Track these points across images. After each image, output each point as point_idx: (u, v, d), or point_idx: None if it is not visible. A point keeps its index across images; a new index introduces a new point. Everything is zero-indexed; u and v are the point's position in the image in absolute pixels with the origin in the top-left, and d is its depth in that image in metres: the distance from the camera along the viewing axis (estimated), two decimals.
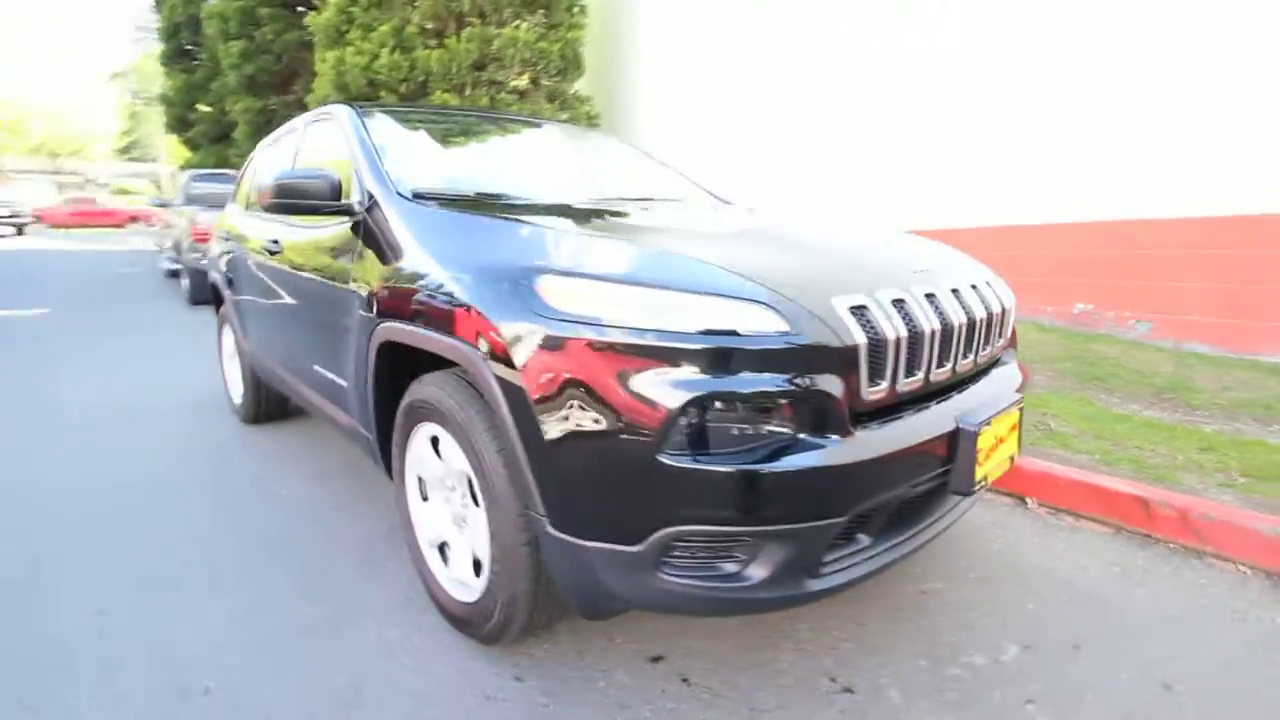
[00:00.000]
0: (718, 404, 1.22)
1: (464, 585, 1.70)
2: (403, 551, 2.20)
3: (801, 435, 1.25)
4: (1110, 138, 4.26)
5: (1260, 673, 1.60)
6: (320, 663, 1.66)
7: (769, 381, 1.23)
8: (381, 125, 2.43)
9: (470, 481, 1.61)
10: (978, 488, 1.48)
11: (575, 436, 1.29)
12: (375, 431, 1.97)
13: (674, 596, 1.30)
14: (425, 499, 1.86)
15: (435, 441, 1.74)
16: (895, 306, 1.41)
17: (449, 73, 8.30)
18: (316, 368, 2.35)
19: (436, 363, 1.74)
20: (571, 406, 1.28)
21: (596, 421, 1.26)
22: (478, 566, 1.66)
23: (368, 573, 2.09)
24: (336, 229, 2.19)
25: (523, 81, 9.04)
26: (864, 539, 1.40)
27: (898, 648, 1.67)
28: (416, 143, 2.52)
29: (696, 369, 1.22)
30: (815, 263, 1.55)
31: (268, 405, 3.58)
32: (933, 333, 1.46)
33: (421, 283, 1.64)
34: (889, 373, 1.36)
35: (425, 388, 1.67)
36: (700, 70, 8.42)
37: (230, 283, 3.39)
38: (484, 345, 1.41)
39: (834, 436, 1.26)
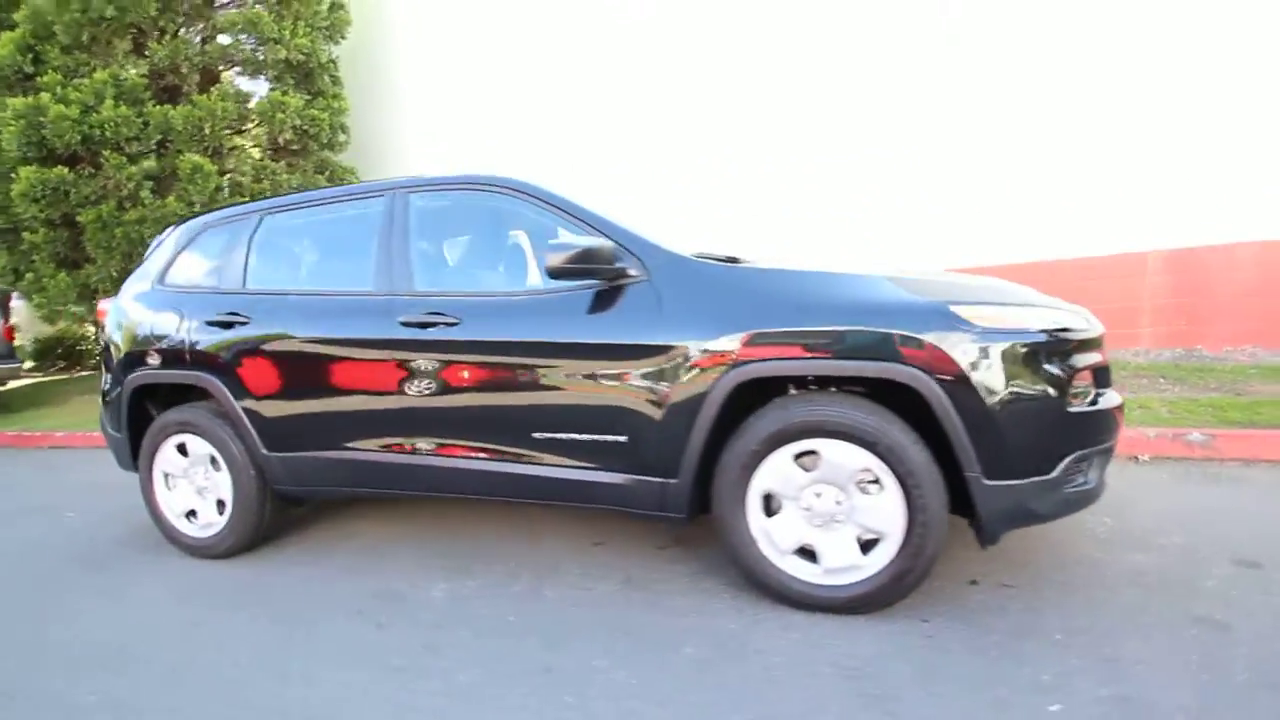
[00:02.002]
0: (1084, 370, 2.00)
1: (850, 569, 2.05)
2: (684, 586, 2.35)
3: (1099, 389, 2.10)
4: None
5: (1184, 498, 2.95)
6: (788, 686, 1.83)
7: (1096, 356, 2.05)
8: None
9: (863, 476, 2.02)
10: None
11: (1012, 408, 1.90)
12: (694, 472, 2.16)
13: (1066, 503, 2.00)
14: (772, 514, 2.14)
15: (799, 455, 2.08)
16: None
17: (200, 133, 7.13)
18: (552, 435, 2.31)
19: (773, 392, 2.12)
20: (1008, 389, 1.90)
21: (1029, 395, 1.91)
22: (866, 547, 2.06)
23: (676, 611, 2.19)
24: (572, 295, 2.28)
25: (255, 154, 8.17)
26: None
27: (1074, 542, 2.58)
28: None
29: (1078, 351, 1.98)
30: (1030, 288, 2.40)
31: (269, 525, 2.95)
32: None
33: (806, 327, 2.01)
34: None
35: (811, 408, 2.02)
36: (470, 143, 8.83)
37: (236, 375, 2.75)
38: (926, 358, 1.91)
39: (1110, 389, 2.15)
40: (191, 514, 2.97)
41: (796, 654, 1.91)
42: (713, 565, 2.50)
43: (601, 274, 2.19)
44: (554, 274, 2.14)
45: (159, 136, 6.97)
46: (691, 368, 2.12)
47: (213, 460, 2.89)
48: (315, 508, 3.44)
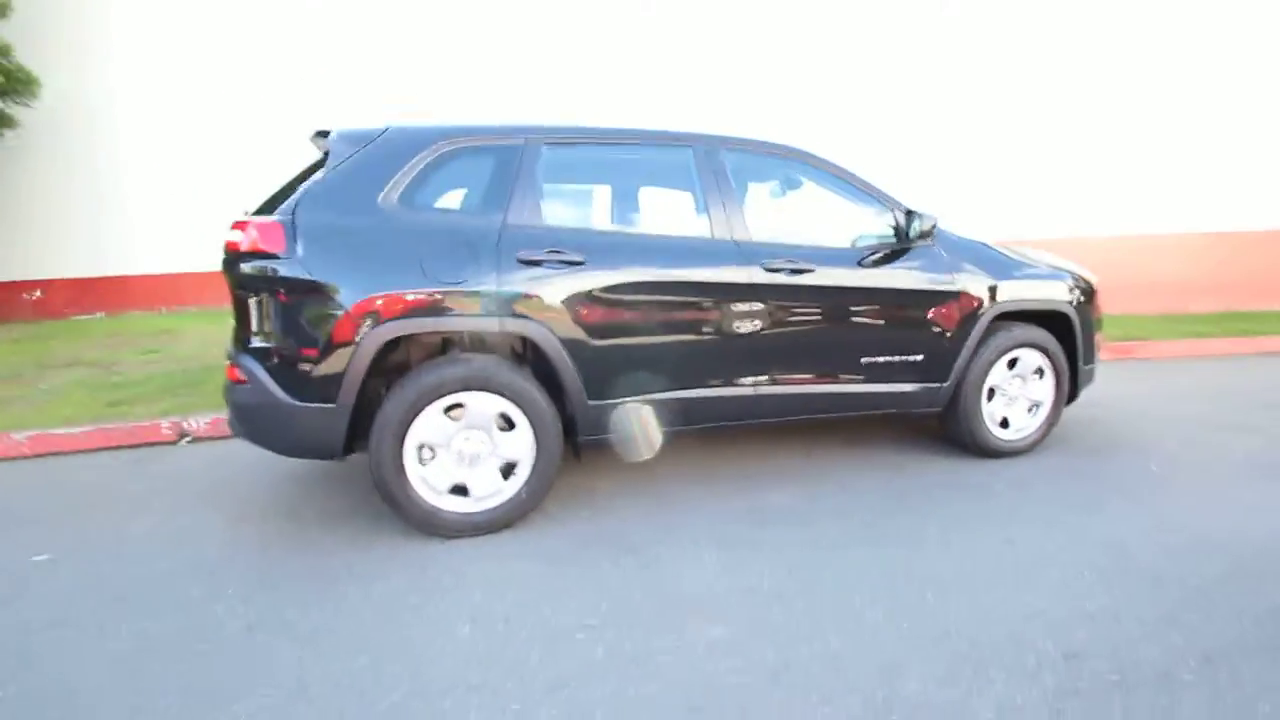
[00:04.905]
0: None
1: (1025, 429, 3.38)
2: (930, 465, 3.39)
3: None
4: None
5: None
6: (1081, 492, 3.06)
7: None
8: None
9: (1035, 371, 3.36)
10: None
11: (1092, 324, 3.49)
12: (960, 376, 3.17)
13: (1093, 378, 3.69)
14: (990, 401, 3.31)
15: (1008, 361, 3.30)
16: None
17: None
18: (874, 359, 2.99)
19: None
20: (1093, 314, 3.49)
21: (1095, 317, 3.53)
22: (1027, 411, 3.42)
23: (956, 472, 3.18)
24: (889, 251, 3.02)
25: None
26: None
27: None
28: None
29: None
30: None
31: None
32: None
33: (1030, 281, 3.22)
34: None
35: (1025, 331, 3.23)
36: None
37: (566, 320, 2.50)
38: (1070, 298, 3.32)
39: None
40: (458, 489, 2.53)
41: (1049, 479, 3.14)
42: (913, 450, 3.50)
43: (928, 236, 2.99)
44: (922, 235, 2.87)
45: None
46: (971, 305, 3.12)
47: (501, 419, 2.54)
48: None
